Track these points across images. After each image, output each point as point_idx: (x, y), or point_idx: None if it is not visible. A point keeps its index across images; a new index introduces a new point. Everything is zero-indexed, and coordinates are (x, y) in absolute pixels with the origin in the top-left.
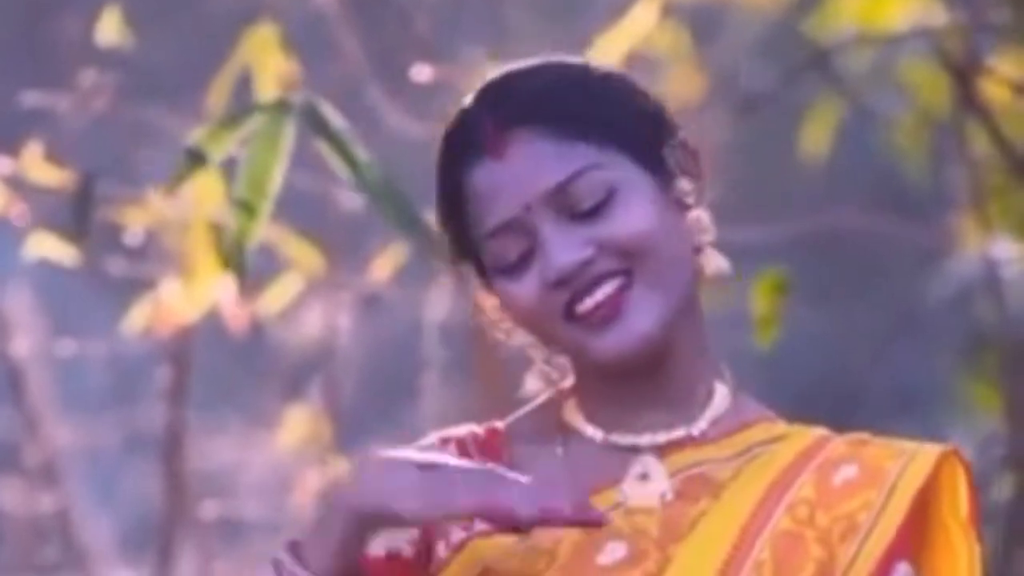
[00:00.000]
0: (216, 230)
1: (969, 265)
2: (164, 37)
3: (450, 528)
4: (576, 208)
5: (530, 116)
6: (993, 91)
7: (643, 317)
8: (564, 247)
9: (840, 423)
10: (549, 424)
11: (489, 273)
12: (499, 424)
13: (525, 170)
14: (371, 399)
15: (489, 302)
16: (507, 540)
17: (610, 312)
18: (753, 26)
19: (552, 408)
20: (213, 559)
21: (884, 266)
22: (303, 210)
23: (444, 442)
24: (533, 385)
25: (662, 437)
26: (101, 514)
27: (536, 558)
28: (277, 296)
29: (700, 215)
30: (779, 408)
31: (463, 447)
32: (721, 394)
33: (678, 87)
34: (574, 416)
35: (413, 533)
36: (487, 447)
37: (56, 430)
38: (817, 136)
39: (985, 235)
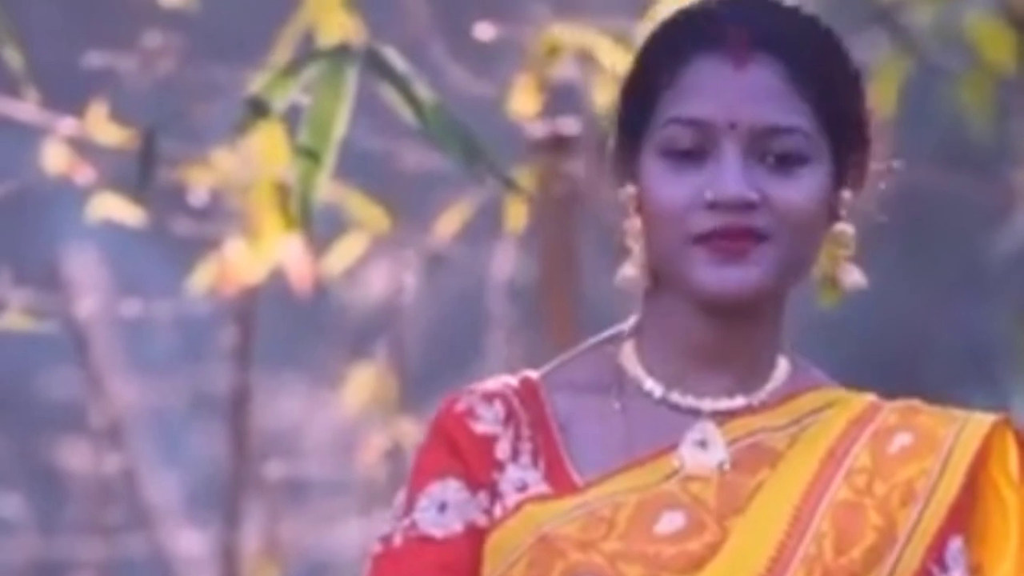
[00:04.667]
0: (280, 189)
1: None
2: None
3: (505, 490)
4: (767, 154)
5: (782, 50)
6: None
7: (762, 272)
8: (741, 179)
9: (904, 381)
10: (603, 372)
11: (647, 154)
12: (531, 374)
13: (752, 94)
14: (436, 358)
15: (624, 193)
16: (564, 505)
17: (740, 251)
18: None
19: (604, 355)
20: (278, 519)
21: (949, 223)
22: (368, 169)
23: (488, 398)
24: (629, 272)
25: (723, 404)
26: (166, 474)
27: (595, 525)
28: (342, 255)
29: (845, 228)
30: (843, 366)
31: (507, 403)
32: (782, 366)
33: None
34: (632, 364)
35: (482, 501)
36: (526, 399)
37: (122, 391)
38: (882, 93)
39: None
